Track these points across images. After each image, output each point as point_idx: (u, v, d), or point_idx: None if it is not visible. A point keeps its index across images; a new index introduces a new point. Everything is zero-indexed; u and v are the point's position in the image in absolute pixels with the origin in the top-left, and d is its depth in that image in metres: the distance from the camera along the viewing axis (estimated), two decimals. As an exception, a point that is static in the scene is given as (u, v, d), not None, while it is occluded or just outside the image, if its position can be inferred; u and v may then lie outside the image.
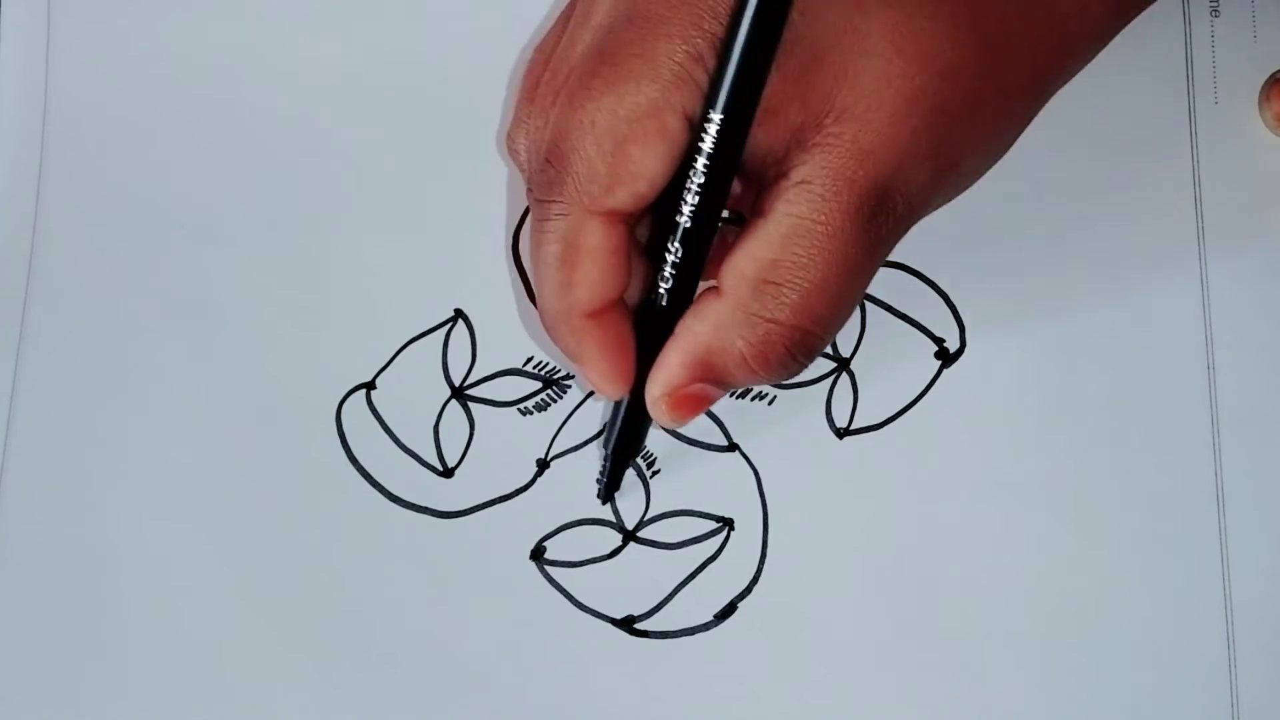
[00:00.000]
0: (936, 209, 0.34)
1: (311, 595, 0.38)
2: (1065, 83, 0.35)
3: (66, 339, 0.40)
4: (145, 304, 0.40)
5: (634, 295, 0.34)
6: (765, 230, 0.31)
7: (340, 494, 0.39)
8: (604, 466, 0.38)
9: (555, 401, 0.40)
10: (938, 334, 0.40)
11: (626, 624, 0.38)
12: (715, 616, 0.38)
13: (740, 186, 0.34)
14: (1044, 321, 0.40)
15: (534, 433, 0.39)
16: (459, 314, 0.40)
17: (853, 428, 0.39)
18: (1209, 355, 0.39)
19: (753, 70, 0.29)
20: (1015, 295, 0.40)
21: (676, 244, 0.31)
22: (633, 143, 0.30)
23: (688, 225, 0.31)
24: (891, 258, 0.40)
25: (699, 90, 0.30)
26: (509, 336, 0.40)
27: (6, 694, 0.38)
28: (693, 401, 0.33)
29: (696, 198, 0.31)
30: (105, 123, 0.42)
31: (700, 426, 0.39)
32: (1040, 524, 0.38)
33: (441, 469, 0.39)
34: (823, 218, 0.30)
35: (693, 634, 0.38)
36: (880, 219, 0.31)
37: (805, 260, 0.30)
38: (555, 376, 0.40)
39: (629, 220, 0.32)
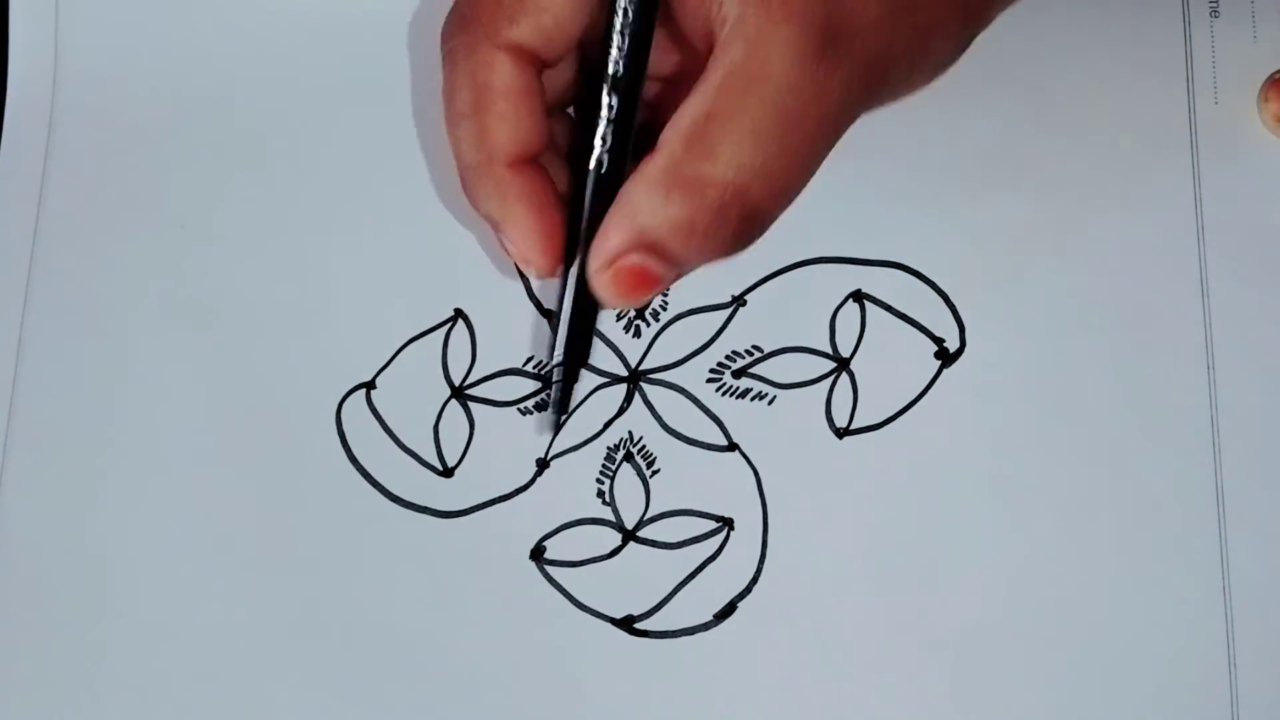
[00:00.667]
0: (903, 80, 0.31)
1: (311, 594, 0.38)
2: None
3: (67, 338, 0.40)
4: (145, 303, 0.40)
5: (560, 175, 0.32)
6: (701, 83, 0.28)
7: (340, 494, 0.39)
8: (553, 378, 0.33)
9: (555, 401, 0.40)
10: (938, 334, 0.40)
11: (626, 624, 0.38)
12: (715, 616, 0.38)
13: (680, 52, 0.32)
14: (1044, 321, 0.40)
15: (534, 432, 0.39)
16: (459, 314, 0.40)
17: (853, 428, 0.39)
18: (1209, 355, 0.39)
19: None
20: (1015, 295, 0.40)
21: (609, 95, 0.30)
22: None
23: (619, 72, 0.29)
24: (891, 258, 0.40)
25: None
26: (509, 336, 0.40)
27: (6, 691, 0.38)
28: (635, 277, 0.29)
29: (623, 37, 0.29)
30: (107, 122, 0.42)
31: (700, 426, 0.39)
32: (1040, 523, 0.38)
33: (441, 469, 0.39)
34: (758, 57, 0.28)
35: (692, 634, 0.38)
36: (829, 60, 0.28)
37: (739, 109, 0.28)
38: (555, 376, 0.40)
39: (537, 64, 0.30)
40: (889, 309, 0.40)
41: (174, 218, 0.41)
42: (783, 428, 0.39)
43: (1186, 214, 0.40)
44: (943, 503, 0.39)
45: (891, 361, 0.40)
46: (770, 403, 0.40)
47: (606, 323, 0.40)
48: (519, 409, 0.40)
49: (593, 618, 0.38)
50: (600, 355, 0.40)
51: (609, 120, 0.30)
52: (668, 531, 0.39)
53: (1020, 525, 0.38)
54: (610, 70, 0.30)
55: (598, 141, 0.30)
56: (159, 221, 0.41)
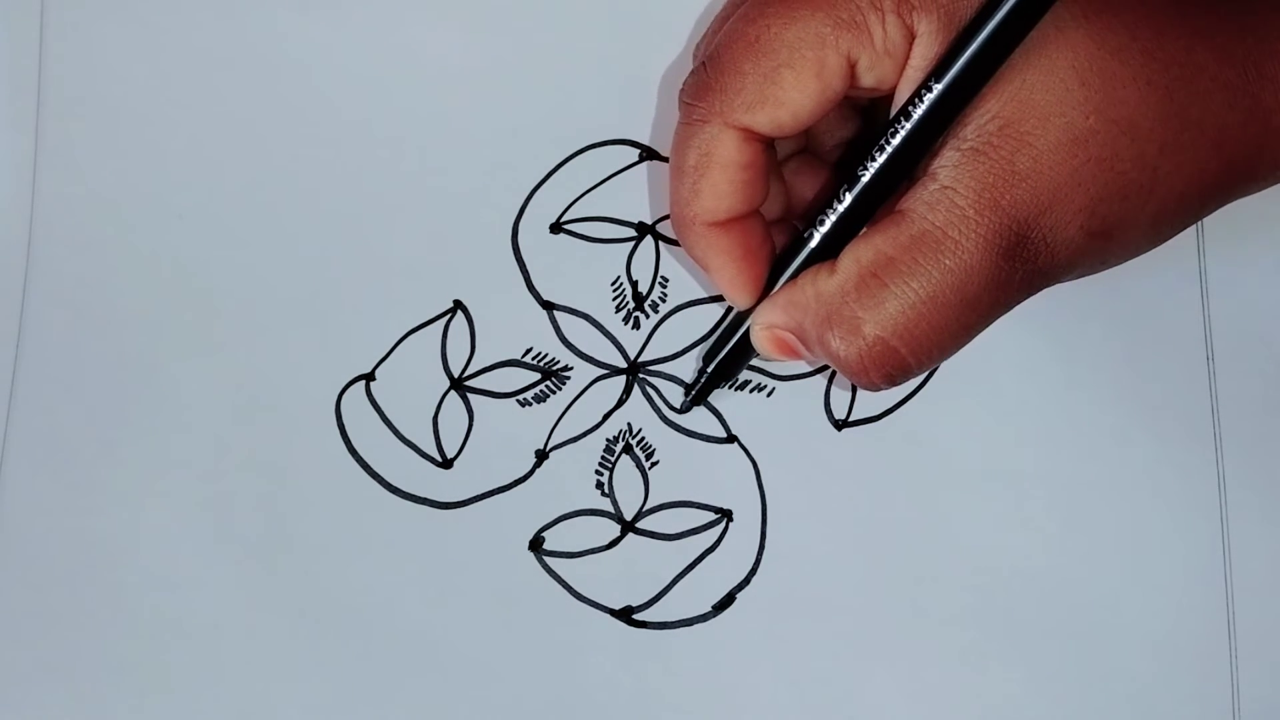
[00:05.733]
0: (1067, 280, 0.32)
1: (310, 585, 0.38)
2: (1255, 189, 0.33)
3: (65, 330, 0.40)
4: (143, 296, 0.40)
5: (774, 210, 0.35)
6: (898, 224, 0.30)
7: (339, 485, 0.39)
8: (696, 378, 0.38)
9: (554, 393, 0.40)
10: (936, 326, 0.40)
11: (625, 615, 0.38)
12: (714, 607, 0.38)
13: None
14: (1042, 313, 0.40)
15: (533, 424, 0.40)
16: (458, 305, 0.40)
17: (851, 419, 0.39)
18: (1208, 347, 0.39)
19: (988, 56, 0.29)
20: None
21: (846, 193, 0.32)
22: (788, 68, 0.30)
23: (865, 180, 0.31)
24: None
25: (868, 39, 0.30)
26: (508, 328, 0.40)
27: (6, 688, 0.38)
28: (783, 345, 0.33)
29: (883, 156, 0.31)
30: (102, 113, 0.41)
31: (699, 418, 0.39)
32: (1039, 516, 0.38)
33: (440, 460, 0.39)
34: (955, 234, 0.29)
35: (691, 625, 0.38)
36: (1014, 260, 0.29)
37: (921, 270, 0.29)
38: (554, 368, 0.40)
39: (766, 143, 0.32)
40: (888, 301, 0.40)
41: (172, 208, 0.41)
42: (781, 420, 0.39)
43: (1186, 206, 0.40)
44: (941, 495, 0.39)
45: (890, 353, 0.40)
46: (769, 394, 0.40)
47: (606, 315, 0.40)
48: (518, 400, 0.40)
49: (592, 609, 0.38)
50: (599, 347, 0.40)
51: (837, 214, 0.32)
52: (666, 523, 0.39)
53: (1019, 517, 0.38)
54: (858, 173, 0.31)
55: (818, 227, 0.33)
56: (157, 213, 0.41)
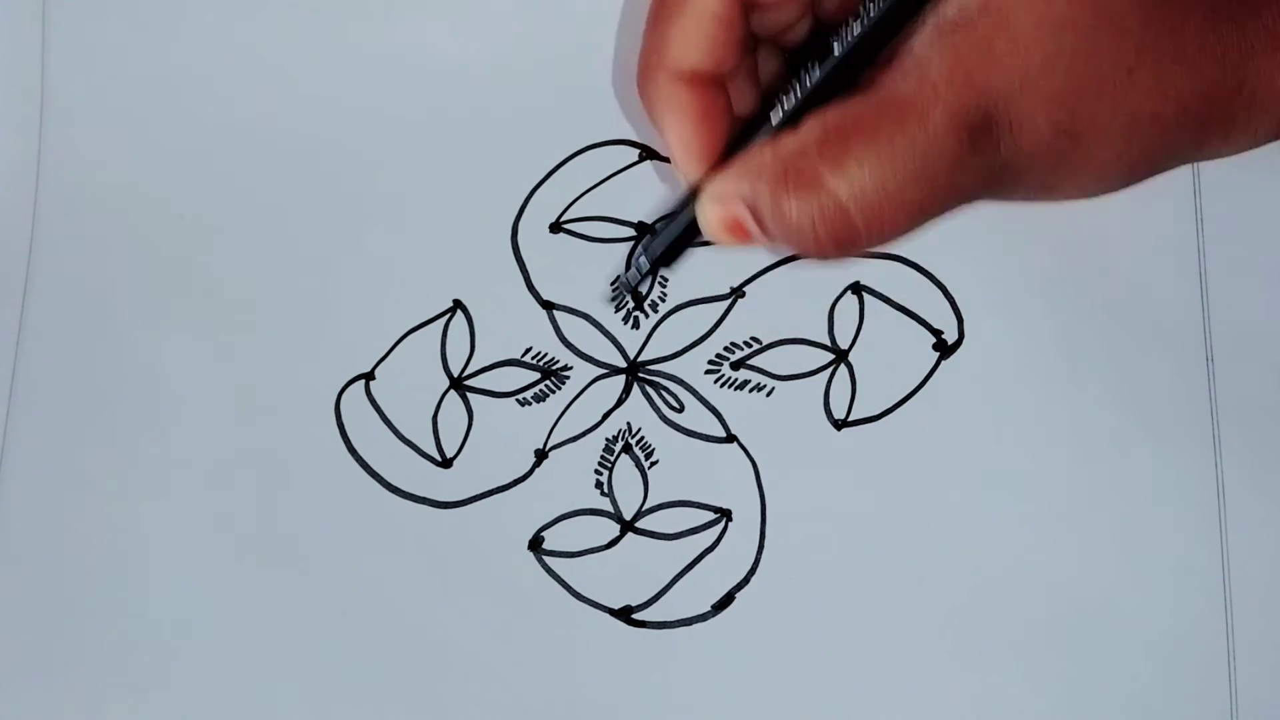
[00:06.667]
0: (1028, 187, 0.31)
1: (309, 584, 0.38)
2: (1232, 145, 0.32)
3: (66, 330, 0.40)
4: (144, 295, 0.40)
5: (745, 100, 0.33)
6: (866, 92, 0.29)
7: (339, 484, 0.39)
8: (632, 263, 0.36)
9: (554, 392, 0.40)
10: (936, 326, 0.40)
11: (624, 614, 0.38)
12: (713, 607, 0.38)
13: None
14: (1042, 314, 0.40)
15: (532, 423, 0.40)
16: (458, 304, 0.40)
17: (851, 419, 0.39)
18: (1208, 347, 0.39)
19: None
20: (1013, 288, 0.40)
21: (813, 68, 0.30)
22: None
23: (839, 54, 0.30)
24: (889, 250, 0.40)
25: None
26: (508, 327, 0.40)
27: (6, 688, 0.38)
28: (733, 225, 0.31)
29: (860, 28, 0.30)
30: (103, 114, 0.42)
31: (698, 418, 0.39)
32: (1038, 516, 0.38)
33: (440, 459, 0.39)
34: (923, 104, 0.28)
35: (690, 624, 0.38)
36: (978, 143, 0.29)
37: (885, 136, 0.28)
38: (554, 367, 0.40)
39: (744, 2, 0.31)
40: (887, 301, 0.40)
41: (173, 209, 0.41)
42: (781, 419, 0.39)
43: (1185, 206, 0.40)
44: (940, 494, 0.39)
45: (890, 353, 0.40)
46: (769, 394, 0.40)
47: (605, 315, 0.40)
48: (518, 400, 0.40)
49: (591, 608, 0.38)
50: (599, 347, 0.40)
51: (800, 90, 0.31)
52: (666, 522, 0.39)
53: (1018, 517, 0.38)
54: (830, 46, 0.30)
55: (783, 101, 0.31)
56: (158, 213, 0.41)
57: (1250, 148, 0.32)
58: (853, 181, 0.29)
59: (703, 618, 0.38)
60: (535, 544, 0.39)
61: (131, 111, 0.42)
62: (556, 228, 0.41)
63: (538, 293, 0.40)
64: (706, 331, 0.40)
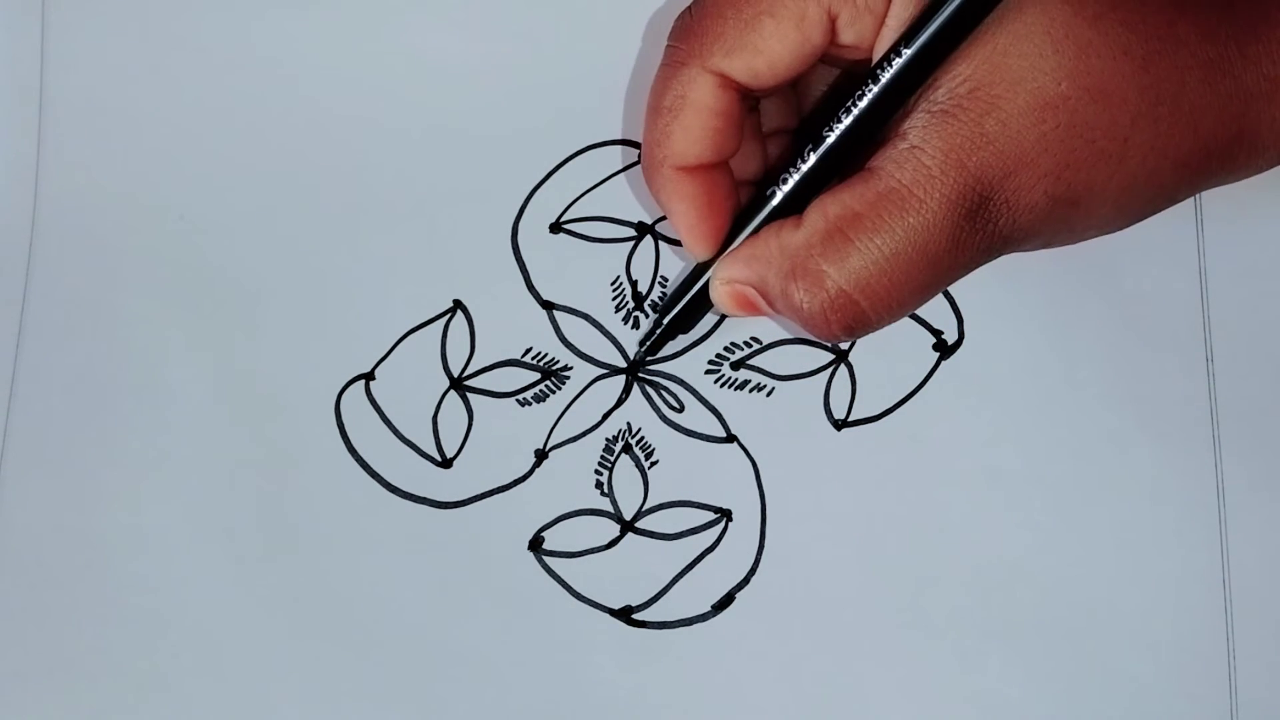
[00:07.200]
0: (1033, 247, 0.32)
1: (309, 585, 0.38)
2: (1233, 178, 0.33)
3: (66, 330, 0.40)
4: (144, 295, 0.40)
5: (749, 172, 0.35)
6: (865, 181, 0.30)
7: (339, 484, 0.39)
8: (651, 329, 0.38)
9: (554, 392, 0.40)
10: (936, 326, 0.40)
11: (624, 614, 0.38)
12: (713, 607, 0.38)
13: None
14: (1042, 314, 0.40)
15: (532, 423, 0.40)
16: (458, 305, 0.40)
17: (851, 419, 0.39)
18: (1207, 346, 0.39)
19: (960, 21, 0.29)
20: (1013, 288, 0.40)
21: (810, 153, 0.32)
22: (769, 16, 0.30)
23: (830, 141, 0.31)
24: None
25: None
26: (508, 327, 0.40)
27: (6, 688, 0.38)
28: (743, 300, 0.33)
29: (849, 118, 0.31)
30: (103, 113, 0.41)
31: (699, 418, 0.39)
32: (1038, 516, 0.38)
33: (440, 459, 0.39)
34: (920, 192, 0.29)
35: (690, 624, 0.38)
36: (976, 222, 0.30)
37: (885, 227, 0.30)
38: (554, 368, 0.40)
39: (742, 92, 0.32)
40: (887, 301, 0.40)
41: (172, 209, 0.41)
42: (781, 419, 0.39)
43: (1185, 206, 0.40)
44: (940, 495, 0.39)
45: (890, 354, 0.40)
46: (769, 394, 0.40)
47: (605, 315, 0.40)
48: (518, 400, 0.40)
49: (591, 608, 0.38)
50: (599, 347, 0.40)
51: (800, 174, 0.32)
52: (666, 522, 0.39)
53: (1018, 517, 0.38)
54: (823, 133, 0.32)
55: (781, 185, 0.33)
56: (158, 213, 0.41)
57: (1253, 175, 0.33)
58: (857, 273, 0.30)
59: (703, 618, 0.38)
60: (535, 544, 0.39)
61: (131, 111, 0.42)
62: (556, 228, 0.41)
63: (538, 293, 0.40)
64: (706, 331, 0.40)
